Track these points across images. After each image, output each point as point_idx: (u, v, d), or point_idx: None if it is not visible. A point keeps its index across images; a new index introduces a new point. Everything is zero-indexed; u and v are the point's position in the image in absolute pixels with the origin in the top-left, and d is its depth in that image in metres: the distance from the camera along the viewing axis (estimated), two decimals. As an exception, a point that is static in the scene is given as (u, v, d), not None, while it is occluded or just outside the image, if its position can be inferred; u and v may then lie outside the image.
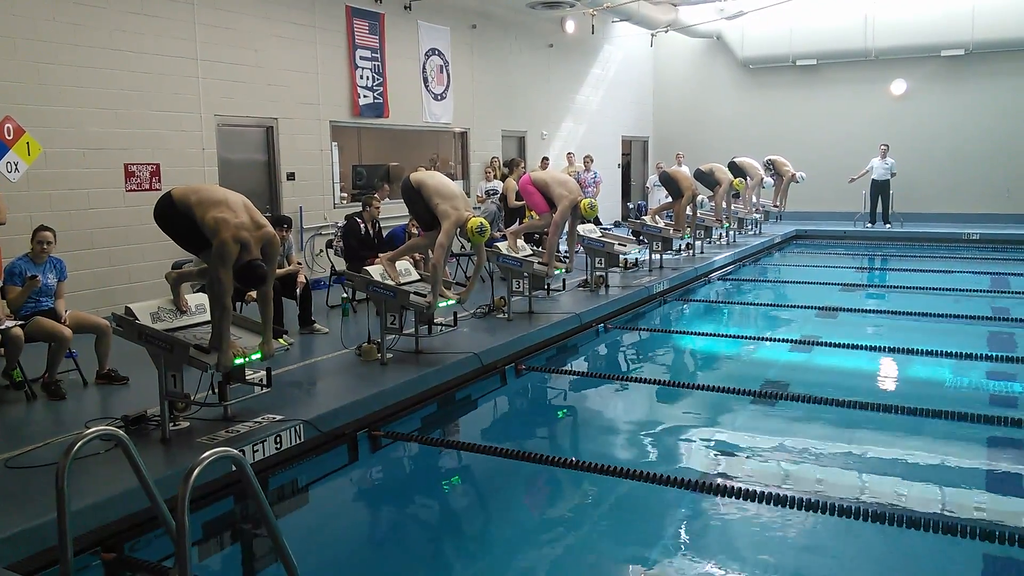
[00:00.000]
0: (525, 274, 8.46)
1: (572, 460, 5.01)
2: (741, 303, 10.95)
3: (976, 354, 7.47)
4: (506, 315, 8.31)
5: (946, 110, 18.18)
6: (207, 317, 5.23)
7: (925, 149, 18.07)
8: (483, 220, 6.97)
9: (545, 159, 14.90)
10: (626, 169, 20.44)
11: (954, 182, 17.94)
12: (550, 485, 5.02)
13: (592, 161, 15.54)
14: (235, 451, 3.05)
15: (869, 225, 17.42)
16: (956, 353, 7.51)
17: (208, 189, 5.27)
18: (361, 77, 11.92)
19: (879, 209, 17.33)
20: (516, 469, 5.12)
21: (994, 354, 7.54)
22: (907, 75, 18.50)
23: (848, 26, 18.34)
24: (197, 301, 5.38)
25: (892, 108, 18.63)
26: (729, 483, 4.61)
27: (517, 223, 11.89)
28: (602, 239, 10.43)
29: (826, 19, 18.55)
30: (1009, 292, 10.81)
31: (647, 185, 17.91)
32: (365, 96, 12.00)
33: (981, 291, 10.84)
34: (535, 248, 9.63)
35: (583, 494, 4.81)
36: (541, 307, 8.76)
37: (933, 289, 11.07)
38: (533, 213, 12.45)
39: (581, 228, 11.12)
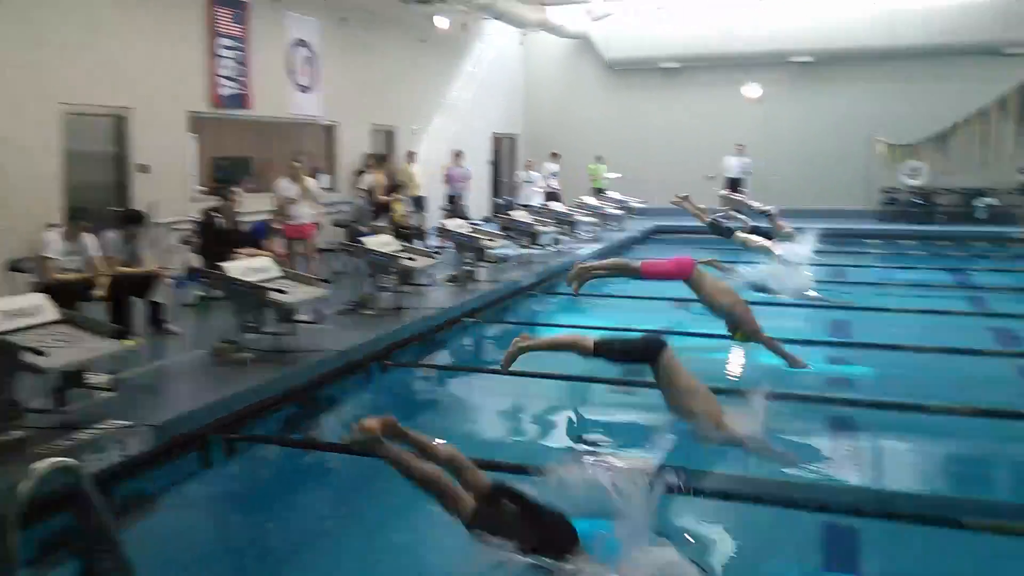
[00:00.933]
0: (392, 269, 8.41)
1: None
2: (604, 295, 11.25)
3: (813, 340, 7.96)
4: (373, 311, 8.23)
5: (797, 113, 19.31)
6: (44, 318, 4.92)
7: (777, 149, 19.11)
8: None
9: (411, 153, 14.81)
10: (496, 166, 20.62)
11: (805, 180, 19.04)
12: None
13: (460, 156, 15.57)
14: (73, 461, 2.89)
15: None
16: (794, 340, 7.96)
17: None
18: (222, 66, 11.47)
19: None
20: (383, 468, 5.07)
21: (830, 339, 8.07)
22: (762, 79, 19.54)
23: (708, 31, 19.17)
24: (34, 302, 5.05)
25: (748, 110, 19.63)
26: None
27: (383, 217, 11.88)
28: (471, 234, 10.51)
29: (688, 24, 19.29)
30: (847, 281, 11.56)
31: (516, 181, 18.17)
32: (227, 86, 11.56)
33: (820, 281, 11.46)
34: (406, 244, 9.58)
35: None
36: (409, 302, 8.71)
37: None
38: (397, 206, 12.40)
39: (450, 223, 11.19)
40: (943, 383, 6.67)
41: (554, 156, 18.45)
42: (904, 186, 18.48)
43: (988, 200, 17.78)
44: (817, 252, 11.16)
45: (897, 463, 5.44)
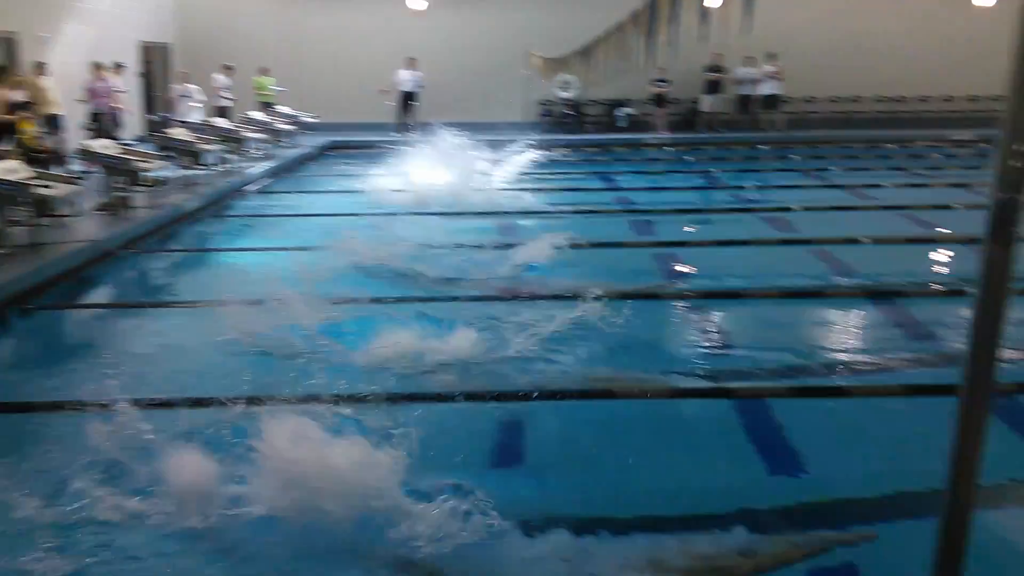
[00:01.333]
0: (23, 200, 7.34)
1: (105, 402, 4.51)
2: (278, 215, 10.87)
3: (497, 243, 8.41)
4: (3, 248, 7.15)
5: (461, 27, 19.76)
6: None
7: (444, 63, 19.46)
8: None
9: (41, 64, 12.84)
10: (148, 78, 18.67)
11: (470, 94, 19.70)
12: (78, 435, 4.47)
13: (103, 68, 13.78)
14: None
15: (398, 135, 18.40)
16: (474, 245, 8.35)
17: None
18: None
19: (407, 120, 18.39)
20: (26, 424, 4.53)
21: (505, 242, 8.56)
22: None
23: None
24: None
25: (415, 24, 19.65)
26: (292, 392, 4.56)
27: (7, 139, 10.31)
28: (123, 155, 9.49)
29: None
30: (513, 188, 12.28)
31: (172, 95, 16.63)
32: None
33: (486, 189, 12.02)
34: (41, 170, 8.39)
35: (134, 438, 4.35)
36: (50, 236, 7.70)
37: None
38: (25, 126, 10.78)
39: (95, 144, 10.01)
40: (597, 272, 7.42)
41: (226, 69, 17.22)
42: (557, 98, 19.90)
43: (627, 110, 19.83)
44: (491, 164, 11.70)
45: (566, 348, 5.94)
